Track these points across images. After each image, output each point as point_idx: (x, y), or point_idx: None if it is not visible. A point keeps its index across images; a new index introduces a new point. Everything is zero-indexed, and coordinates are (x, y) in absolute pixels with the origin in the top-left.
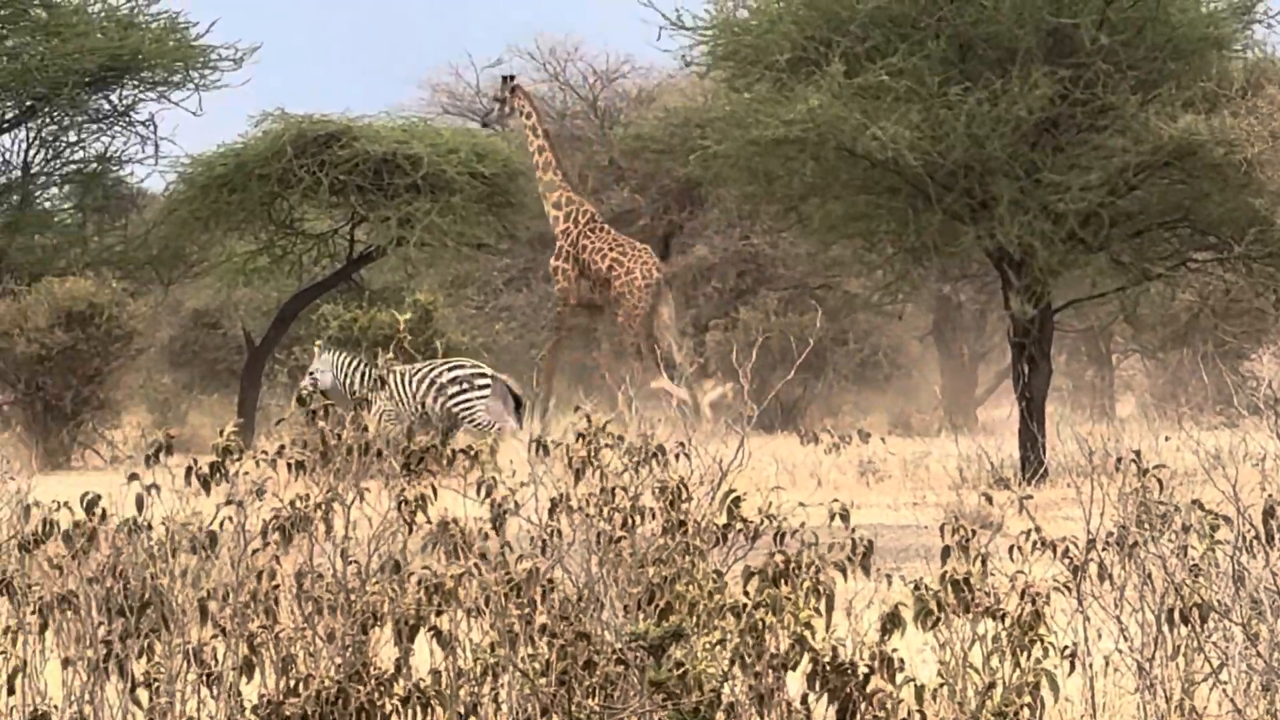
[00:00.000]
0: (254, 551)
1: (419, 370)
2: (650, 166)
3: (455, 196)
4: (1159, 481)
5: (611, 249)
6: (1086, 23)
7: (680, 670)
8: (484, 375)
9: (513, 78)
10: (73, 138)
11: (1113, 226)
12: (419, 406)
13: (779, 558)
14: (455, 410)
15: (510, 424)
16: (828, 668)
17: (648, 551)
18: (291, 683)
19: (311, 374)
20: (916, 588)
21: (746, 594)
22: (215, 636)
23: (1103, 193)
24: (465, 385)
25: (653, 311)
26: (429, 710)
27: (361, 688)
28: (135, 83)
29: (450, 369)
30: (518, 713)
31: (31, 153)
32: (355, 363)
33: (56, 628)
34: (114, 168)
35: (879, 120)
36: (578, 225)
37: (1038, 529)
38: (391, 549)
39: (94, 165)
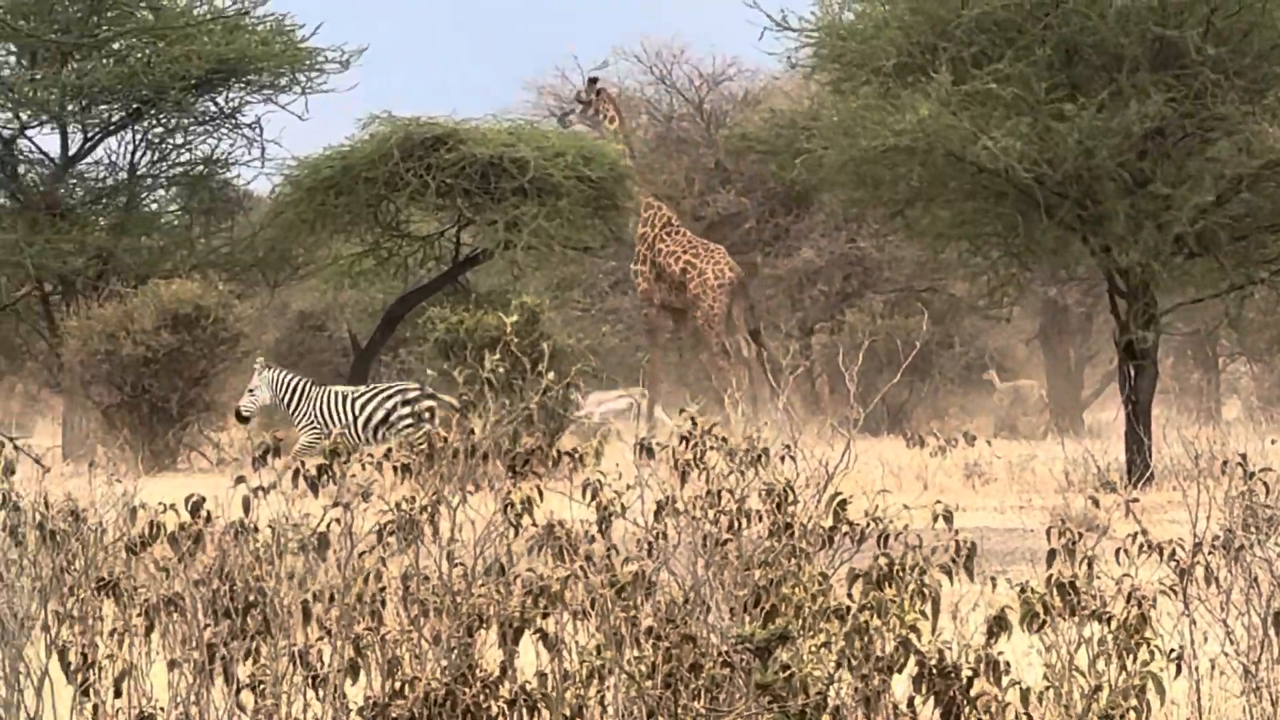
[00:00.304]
0: (360, 554)
1: (362, 393)
2: (756, 169)
3: (562, 200)
4: (1265, 485)
5: (685, 251)
6: (1192, 34)
7: (786, 673)
8: (431, 399)
9: (596, 80)
10: (179, 140)
11: (1219, 232)
12: (358, 429)
13: (884, 560)
14: (404, 433)
15: None
16: (933, 670)
17: (754, 554)
18: (397, 685)
19: (251, 390)
20: (1022, 591)
21: (851, 597)
22: (321, 639)
23: (1213, 204)
24: (410, 411)
25: (731, 312)
26: (535, 712)
27: (467, 690)
28: (242, 85)
29: (394, 394)
30: (623, 715)
31: (138, 155)
32: (293, 381)
33: (163, 630)
34: (220, 170)
35: (989, 130)
36: (654, 229)
37: (1144, 532)
38: (497, 551)
39: (200, 167)
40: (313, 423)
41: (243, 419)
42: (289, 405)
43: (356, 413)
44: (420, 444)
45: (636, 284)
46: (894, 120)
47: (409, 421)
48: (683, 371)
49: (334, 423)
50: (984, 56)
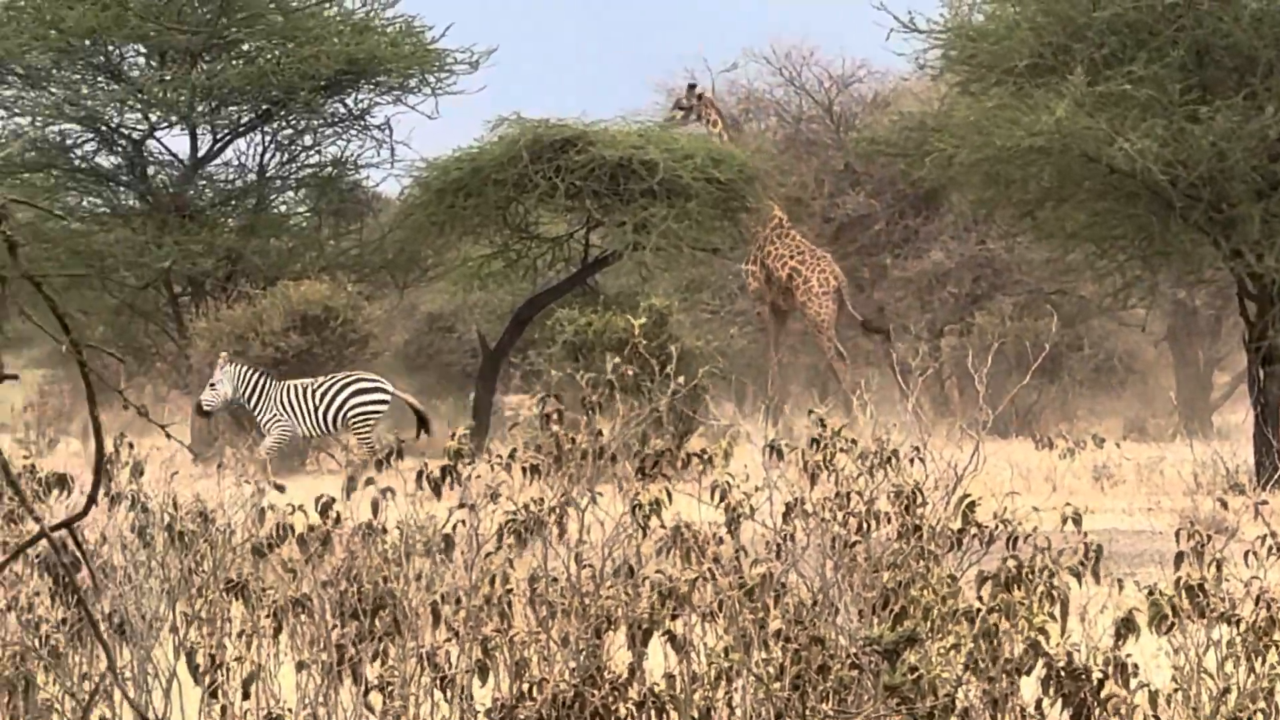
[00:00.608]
0: (488, 555)
1: (320, 384)
2: (885, 171)
3: (691, 202)
4: None
5: (792, 257)
6: None
7: (914, 675)
8: (384, 391)
9: (695, 85)
10: (308, 141)
11: None
12: (319, 420)
13: (1012, 562)
14: (353, 423)
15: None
16: (1062, 673)
17: (882, 556)
18: (525, 686)
19: (212, 385)
20: (1151, 593)
21: (980, 599)
22: (449, 640)
23: None
24: (363, 400)
25: (838, 316)
26: (663, 714)
27: (595, 692)
28: (371, 86)
29: (350, 384)
30: (751, 717)
31: (267, 156)
32: (254, 376)
33: (291, 631)
34: (350, 171)
35: (1125, 132)
36: (765, 229)
37: (1273, 534)
38: (626, 553)
39: (330, 169)
40: (276, 416)
41: (204, 413)
42: (250, 400)
43: (316, 403)
44: (366, 436)
45: (748, 284)
46: (1029, 121)
47: (362, 411)
48: (813, 373)
49: (295, 415)
50: (1115, 58)
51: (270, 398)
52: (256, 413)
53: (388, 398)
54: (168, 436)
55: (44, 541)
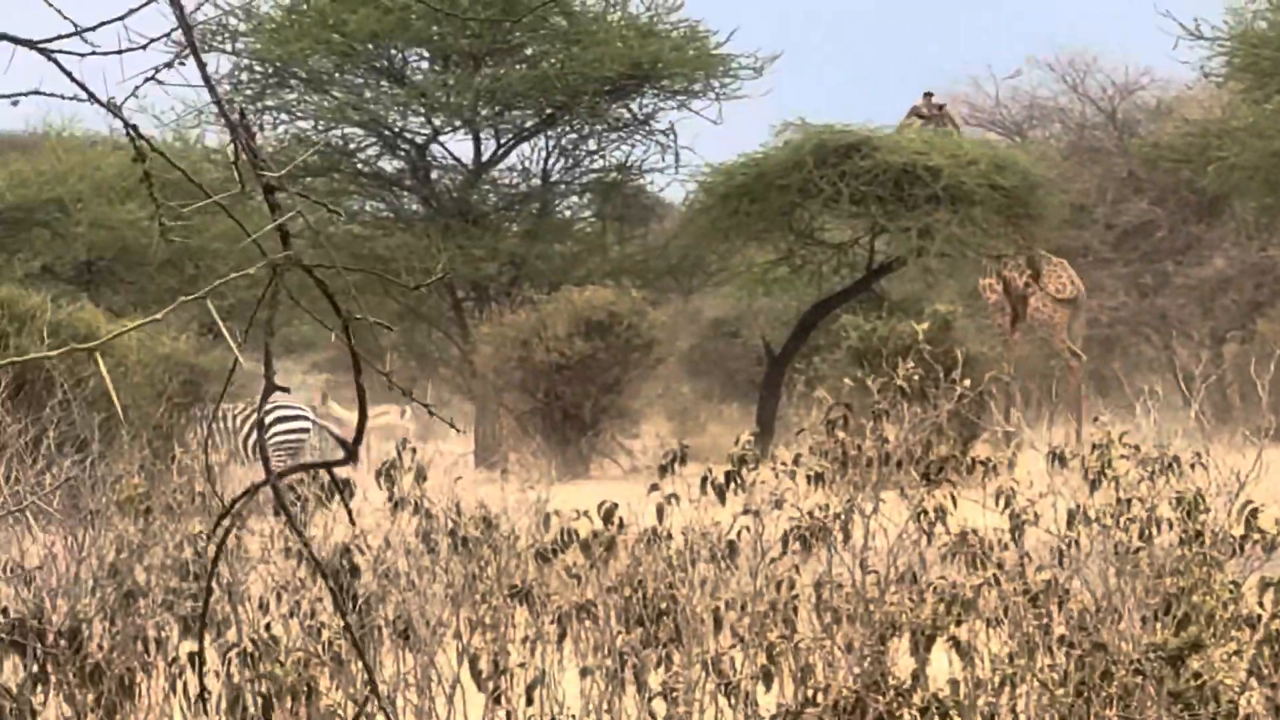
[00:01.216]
0: (772, 561)
1: (241, 410)
2: (1168, 178)
3: (975, 207)
4: None
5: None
6: None
7: (1198, 681)
8: (305, 420)
9: (932, 94)
10: (592, 146)
11: None
12: (242, 446)
13: None
14: (272, 451)
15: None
16: None
17: (1165, 562)
18: (809, 692)
19: None
20: None
21: (1263, 605)
22: (733, 646)
23: None
24: (283, 428)
25: (1071, 325)
26: None
27: (879, 697)
28: (655, 91)
29: (270, 411)
30: None
31: (551, 161)
32: None
33: (575, 637)
34: (634, 176)
35: None
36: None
37: None
38: (910, 559)
39: (614, 174)
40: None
41: None
42: None
43: (237, 427)
44: (281, 462)
45: (986, 297)
46: None
47: (281, 439)
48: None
49: (220, 438)
50: None
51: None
52: None
53: (308, 426)
54: (456, 430)
55: (327, 547)
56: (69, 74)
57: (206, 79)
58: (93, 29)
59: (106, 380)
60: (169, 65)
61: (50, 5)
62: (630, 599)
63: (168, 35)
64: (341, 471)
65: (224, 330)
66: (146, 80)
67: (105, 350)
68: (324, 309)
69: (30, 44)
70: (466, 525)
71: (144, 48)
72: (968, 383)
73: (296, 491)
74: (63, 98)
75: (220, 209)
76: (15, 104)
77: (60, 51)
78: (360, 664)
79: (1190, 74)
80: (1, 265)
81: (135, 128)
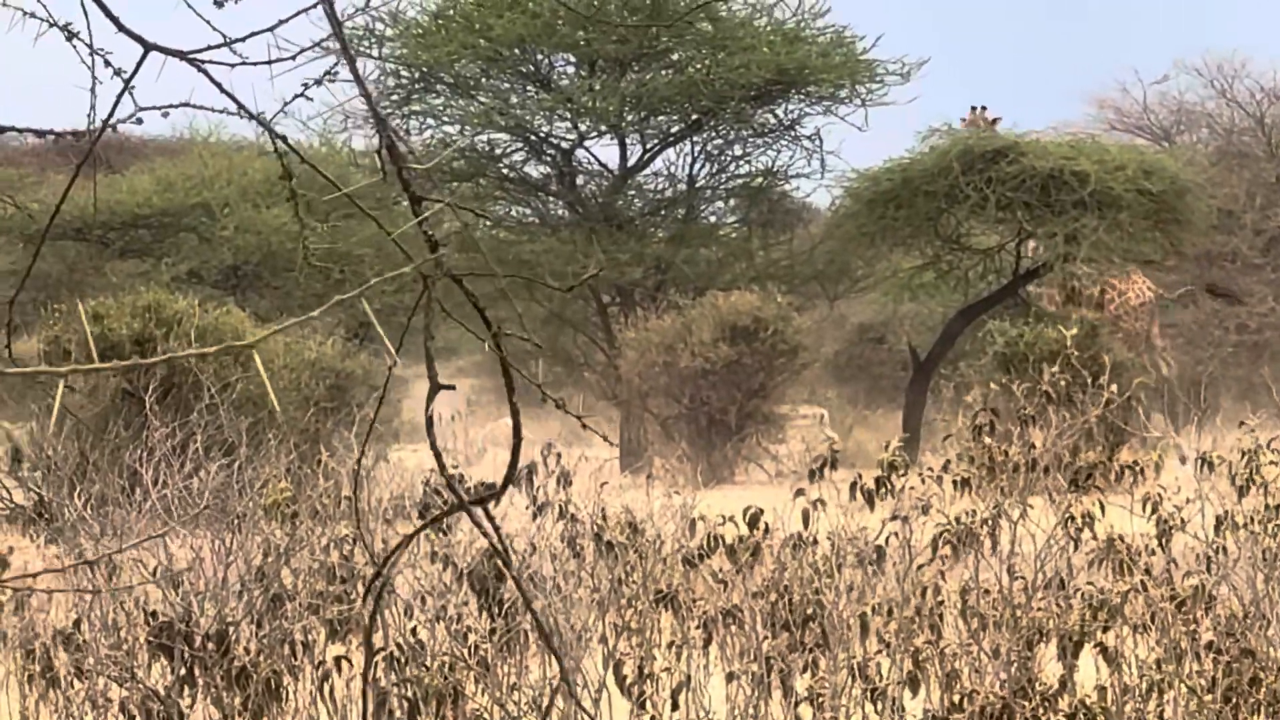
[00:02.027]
0: (919, 567)
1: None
2: None
3: (1122, 213)
4: None
5: (1102, 272)
6: None
7: None
8: None
9: (982, 107)
10: (738, 151)
11: None
12: None
13: None
14: None
15: None
16: None
17: None
18: (956, 698)
19: None
20: None
21: None
22: (879, 652)
23: None
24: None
25: (1150, 331)
26: None
27: (1026, 704)
28: (801, 97)
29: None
30: None
31: (697, 166)
32: None
33: (720, 642)
34: (779, 182)
35: None
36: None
37: None
38: (1057, 565)
39: (759, 179)
40: None
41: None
42: None
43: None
44: None
45: (1044, 305)
46: None
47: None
48: (1245, 386)
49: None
50: None
51: None
52: None
53: None
54: (605, 440)
55: (472, 552)
56: (219, 85)
57: (359, 80)
58: (242, 40)
59: (263, 374)
60: (321, 81)
61: (200, 17)
62: (776, 604)
63: (317, 44)
64: (485, 475)
65: (379, 331)
66: (298, 95)
67: (252, 354)
68: (469, 314)
69: (180, 55)
70: (612, 530)
71: (293, 58)
72: (1114, 388)
73: (441, 494)
74: (212, 110)
75: (372, 213)
76: (165, 115)
77: (210, 62)
78: (505, 668)
79: None
80: (149, 269)
81: (284, 138)
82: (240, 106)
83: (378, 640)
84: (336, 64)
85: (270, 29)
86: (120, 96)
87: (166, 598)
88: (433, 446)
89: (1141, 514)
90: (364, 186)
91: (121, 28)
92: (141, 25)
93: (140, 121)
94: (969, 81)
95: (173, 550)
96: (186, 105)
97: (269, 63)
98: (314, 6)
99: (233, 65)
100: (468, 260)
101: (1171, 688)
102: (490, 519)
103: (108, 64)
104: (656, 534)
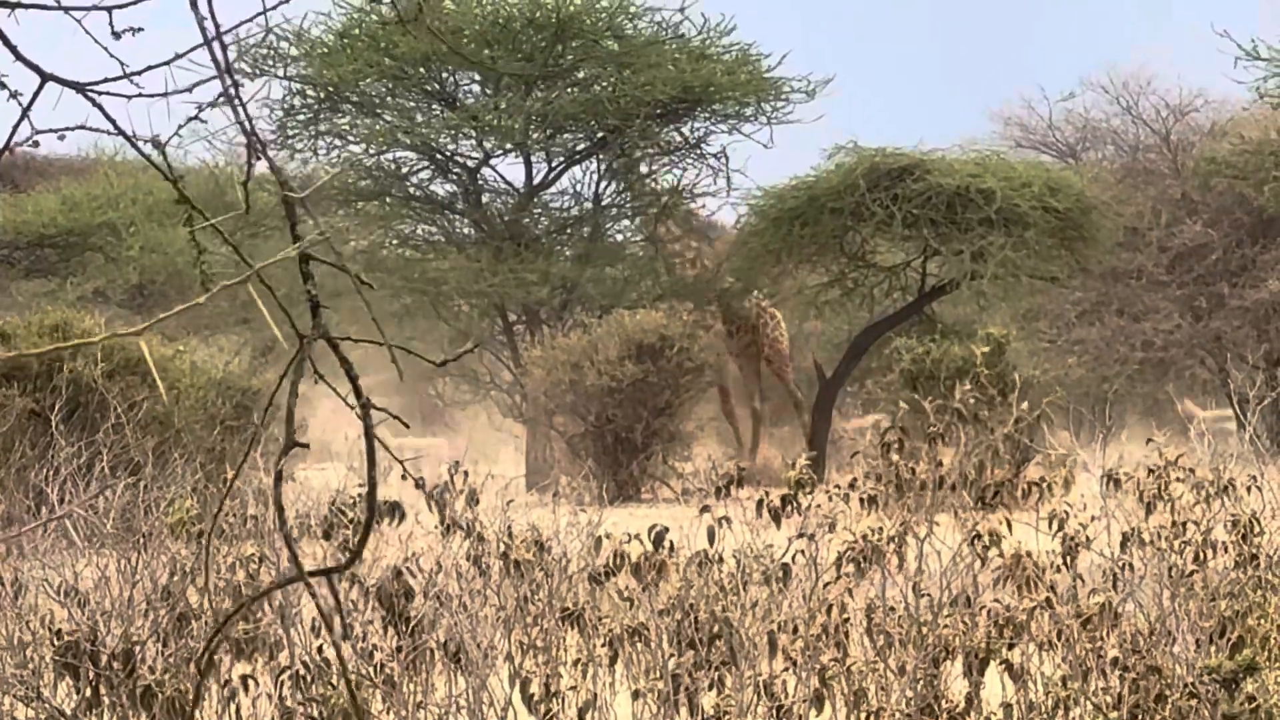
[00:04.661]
0: (825, 584)
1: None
2: (1222, 199)
3: (1029, 230)
4: None
5: (759, 303)
6: None
7: (1252, 705)
8: None
9: None
10: (644, 169)
11: None
12: None
13: None
14: None
15: None
16: None
17: (1219, 585)
18: (862, 716)
19: None
20: None
21: None
22: (786, 669)
23: None
24: None
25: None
26: None
27: None
28: (707, 114)
29: None
30: None
31: (603, 184)
32: None
33: (626, 660)
34: (685, 200)
35: None
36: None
37: None
38: (963, 582)
39: (665, 197)
40: None
41: None
42: None
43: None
44: None
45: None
46: None
47: None
48: (1130, 401)
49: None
50: None
51: None
52: None
53: None
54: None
55: (381, 569)
56: (112, 121)
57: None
58: (139, 73)
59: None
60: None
61: (100, 46)
62: (682, 622)
63: (212, 79)
64: (391, 494)
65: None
66: (185, 124)
67: (160, 372)
68: (369, 327)
69: (77, 86)
70: (518, 548)
71: (190, 89)
72: (1024, 406)
73: (346, 515)
74: (108, 133)
75: (279, 234)
76: (62, 139)
77: (107, 94)
78: (411, 686)
79: (1246, 96)
80: (55, 289)
81: (171, 169)
82: (132, 140)
83: (283, 659)
84: (221, 94)
85: (166, 63)
86: (18, 124)
87: (72, 617)
88: (277, 505)
89: (1048, 531)
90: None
91: (19, 57)
92: (42, 51)
93: (37, 145)
94: (874, 99)
95: (79, 569)
96: (83, 128)
97: (165, 95)
98: (200, 47)
99: (129, 97)
100: (374, 280)
101: (1077, 704)
102: (334, 591)
103: (3, 87)
104: (563, 552)
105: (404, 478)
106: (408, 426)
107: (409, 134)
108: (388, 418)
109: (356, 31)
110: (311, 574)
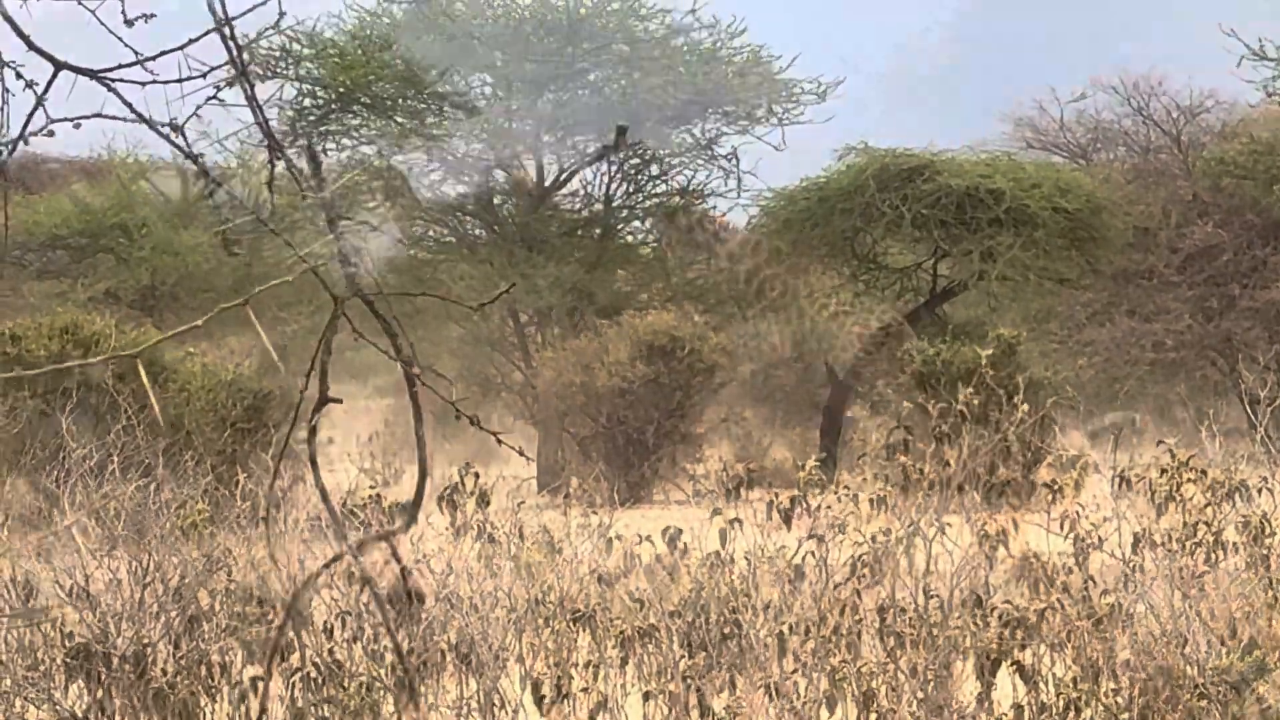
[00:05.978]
0: (836, 586)
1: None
2: (1233, 200)
3: (1038, 231)
4: None
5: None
6: None
7: (1264, 706)
8: None
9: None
10: (655, 171)
11: None
12: None
13: None
14: None
15: None
16: None
17: (1230, 587)
18: (873, 717)
19: None
20: None
21: None
22: (796, 671)
23: None
24: None
25: None
26: None
27: None
28: (718, 116)
29: None
30: None
31: (614, 186)
32: None
33: (637, 661)
34: (696, 201)
35: None
36: None
37: None
38: (973, 583)
39: (676, 199)
40: None
41: None
42: None
43: None
44: None
45: None
46: None
47: None
48: (1142, 401)
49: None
50: None
51: None
52: None
53: None
54: (521, 454)
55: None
56: (129, 105)
57: (254, 104)
58: (153, 58)
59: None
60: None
61: (113, 34)
62: (693, 623)
63: (227, 64)
64: (406, 496)
65: (265, 340)
66: (201, 106)
67: (170, 375)
68: (379, 334)
69: (91, 74)
70: (529, 550)
71: (204, 75)
72: (1025, 407)
73: (359, 516)
74: (124, 120)
75: (282, 233)
76: (78, 127)
77: (121, 80)
78: (425, 687)
79: (1256, 95)
80: (66, 290)
81: (191, 149)
82: (150, 121)
83: (294, 661)
84: (232, 78)
85: (180, 48)
86: (33, 112)
87: (83, 619)
88: (312, 460)
89: (1058, 531)
90: (282, 207)
91: (32, 46)
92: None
93: (52, 134)
94: (887, 100)
95: (90, 571)
96: (99, 116)
97: (179, 81)
98: (211, 32)
99: (144, 84)
100: (398, 281)
101: (1088, 706)
102: (394, 554)
103: (19, 76)
104: (574, 553)
105: (457, 418)
106: (451, 384)
107: (420, 136)
108: (434, 376)
109: (368, 33)
110: (368, 539)
